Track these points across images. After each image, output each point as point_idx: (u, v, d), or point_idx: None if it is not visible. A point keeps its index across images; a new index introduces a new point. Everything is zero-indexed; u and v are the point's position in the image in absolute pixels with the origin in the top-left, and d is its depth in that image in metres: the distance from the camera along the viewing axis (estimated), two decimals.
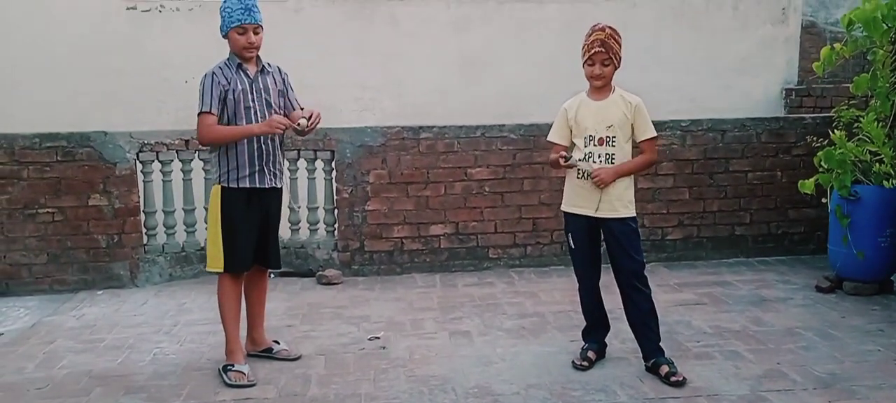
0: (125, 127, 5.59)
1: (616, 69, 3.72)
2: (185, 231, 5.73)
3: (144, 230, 5.60)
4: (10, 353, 4.26)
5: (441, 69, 6.91)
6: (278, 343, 4.17)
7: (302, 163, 5.78)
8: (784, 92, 7.36)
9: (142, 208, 5.57)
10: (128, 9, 6.39)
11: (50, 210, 5.39)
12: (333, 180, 5.74)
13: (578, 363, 3.89)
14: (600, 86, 3.75)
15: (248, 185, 3.78)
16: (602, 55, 3.66)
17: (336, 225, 5.80)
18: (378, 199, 5.72)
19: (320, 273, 5.62)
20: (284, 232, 5.80)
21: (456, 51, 6.95)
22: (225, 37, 3.76)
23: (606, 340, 4.04)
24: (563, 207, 3.91)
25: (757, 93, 7.34)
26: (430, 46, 6.90)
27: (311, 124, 3.71)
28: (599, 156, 3.72)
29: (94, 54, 6.36)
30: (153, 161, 5.56)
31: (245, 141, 3.74)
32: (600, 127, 3.73)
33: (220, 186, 3.78)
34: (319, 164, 5.79)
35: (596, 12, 7.07)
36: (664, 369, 3.70)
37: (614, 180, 3.69)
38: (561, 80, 7.03)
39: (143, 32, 6.42)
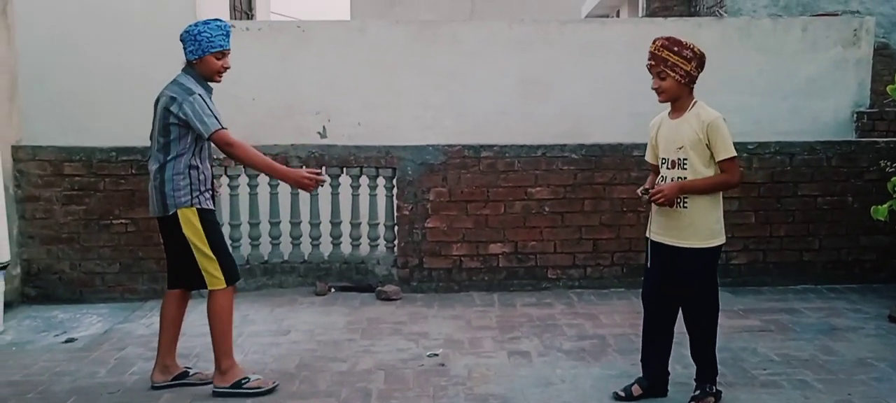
0: None
1: (682, 83, 3.45)
2: (250, 244, 5.86)
3: None
4: (84, 359, 4.43)
5: (502, 89, 6.94)
6: (190, 368, 4.11)
7: (364, 180, 5.86)
8: (855, 115, 7.15)
9: None
10: None
11: (123, 221, 5.59)
12: (394, 197, 5.81)
13: (618, 392, 3.73)
14: (665, 102, 3.57)
15: (212, 205, 3.89)
16: (655, 68, 3.48)
17: (396, 242, 5.86)
18: (438, 217, 5.76)
19: (380, 288, 5.68)
20: (345, 247, 5.90)
21: (517, 71, 6.97)
22: (197, 59, 3.82)
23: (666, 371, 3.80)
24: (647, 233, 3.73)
25: (826, 116, 7.15)
26: (491, 66, 6.94)
27: None
28: (671, 181, 3.50)
29: (167, 71, 6.54)
30: (221, 175, 5.71)
31: (207, 164, 3.87)
32: (671, 148, 3.53)
33: (195, 209, 3.77)
34: (381, 181, 5.86)
35: (659, 33, 7.01)
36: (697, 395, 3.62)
37: (676, 197, 3.44)
38: (623, 101, 7.02)
39: None
